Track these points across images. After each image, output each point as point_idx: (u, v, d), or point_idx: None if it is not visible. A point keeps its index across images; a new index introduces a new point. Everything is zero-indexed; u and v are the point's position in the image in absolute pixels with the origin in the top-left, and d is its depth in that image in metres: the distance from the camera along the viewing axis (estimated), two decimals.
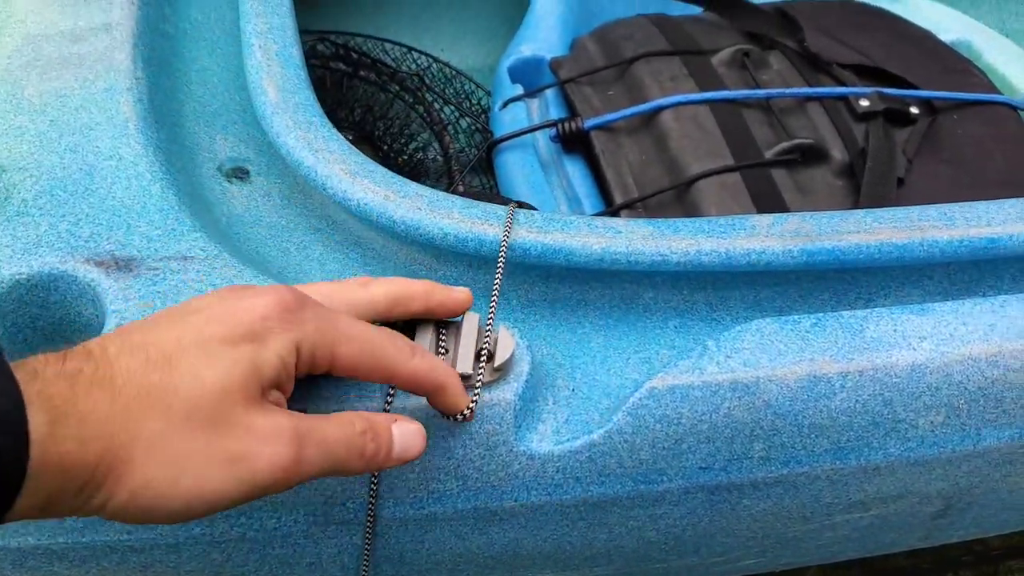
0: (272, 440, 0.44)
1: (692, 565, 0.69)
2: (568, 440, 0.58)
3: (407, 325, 0.57)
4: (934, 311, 0.63)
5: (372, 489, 0.56)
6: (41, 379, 0.40)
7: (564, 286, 0.66)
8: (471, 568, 0.64)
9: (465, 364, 0.55)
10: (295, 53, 0.74)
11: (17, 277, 0.59)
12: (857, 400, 0.60)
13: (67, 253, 0.60)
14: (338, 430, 0.47)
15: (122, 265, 0.61)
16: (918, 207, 0.68)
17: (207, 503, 0.43)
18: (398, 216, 0.63)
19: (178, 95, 0.76)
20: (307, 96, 0.70)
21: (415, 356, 0.51)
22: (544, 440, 0.58)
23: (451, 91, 1.21)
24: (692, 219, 0.65)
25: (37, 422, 0.39)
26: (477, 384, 0.55)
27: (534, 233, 0.63)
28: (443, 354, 0.56)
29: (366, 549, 0.58)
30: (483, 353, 0.57)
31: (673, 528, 0.63)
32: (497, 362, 0.56)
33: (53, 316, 0.61)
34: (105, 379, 0.42)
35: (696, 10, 1.17)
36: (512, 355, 0.57)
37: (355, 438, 0.48)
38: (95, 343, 0.44)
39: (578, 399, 0.60)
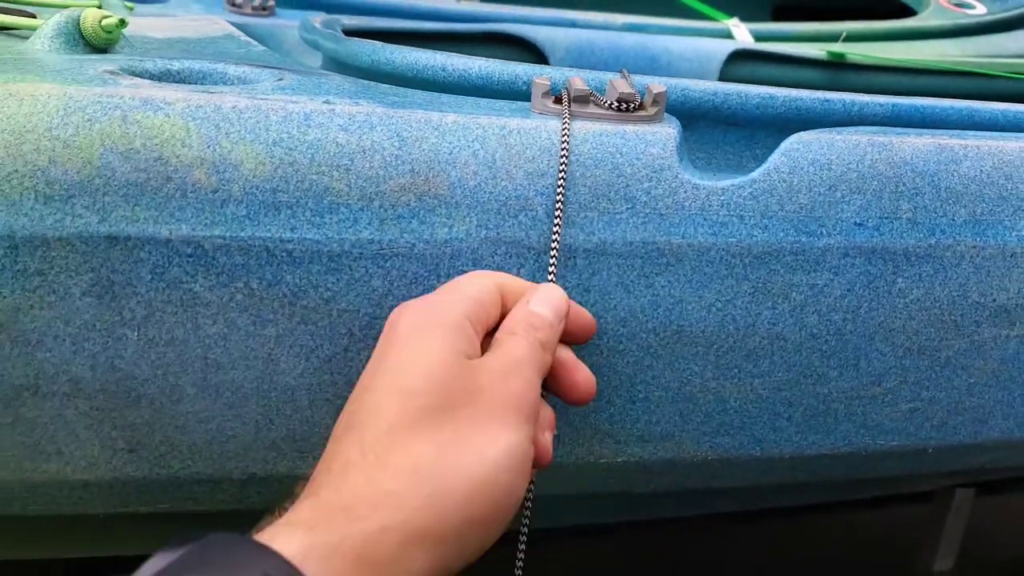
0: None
1: (849, 392, 0.63)
2: (729, 178, 0.58)
3: None
4: None
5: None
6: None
7: None
8: (632, 345, 0.58)
9: None
10: None
11: None
12: (981, 169, 0.62)
13: None
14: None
15: None
16: None
17: None
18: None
19: None
20: None
21: None
22: (706, 176, 0.58)
23: None
24: None
25: None
26: None
27: None
28: None
29: (553, 249, 0.54)
30: None
31: (833, 313, 0.60)
32: None
33: None
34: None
35: None
36: None
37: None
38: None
39: None
